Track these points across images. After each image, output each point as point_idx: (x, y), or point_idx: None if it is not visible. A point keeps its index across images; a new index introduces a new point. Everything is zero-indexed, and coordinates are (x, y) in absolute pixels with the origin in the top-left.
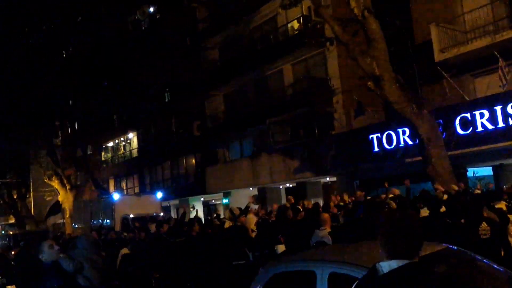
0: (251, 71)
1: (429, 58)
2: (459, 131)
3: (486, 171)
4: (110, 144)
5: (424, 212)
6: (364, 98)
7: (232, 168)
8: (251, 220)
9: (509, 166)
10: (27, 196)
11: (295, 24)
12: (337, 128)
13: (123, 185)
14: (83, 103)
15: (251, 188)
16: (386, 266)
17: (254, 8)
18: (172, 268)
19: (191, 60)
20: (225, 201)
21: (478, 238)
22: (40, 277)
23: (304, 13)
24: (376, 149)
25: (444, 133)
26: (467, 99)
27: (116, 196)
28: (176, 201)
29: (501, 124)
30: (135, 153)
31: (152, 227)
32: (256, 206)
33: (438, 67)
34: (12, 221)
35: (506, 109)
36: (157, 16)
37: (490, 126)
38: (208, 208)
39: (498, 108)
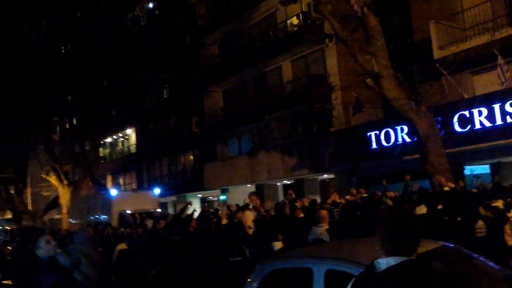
0: (250, 67)
1: (428, 56)
2: (457, 128)
3: (483, 169)
4: (108, 140)
5: (420, 210)
6: (363, 95)
7: (230, 164)
8: (248, 216)
9: (507, 164)
10: (24, 191)
11: (295, 21)
12: (336, 125)
13: (121, 181)
14: (82, 99)
15: (248, 185)
16: (384, 263)
17: (253, 4)
18: (169, 264)
19: (190, 57)
20: (222, 197)
21: (474, 236)
22: (37, 272)
23: (303, 10)
24: (375, 146)
25: (443, 131)
26: (466, 96)
27: (113, 192)
28: (174, 198)
29: (499, 122)
30: (133, 149)
31: (149, 223)
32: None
33: (437, 65)
34: (9, 216)
35: (505, 107)
36: (156, 12)
37: (488, 124)
38: (206, 203)
39: (496, 106)
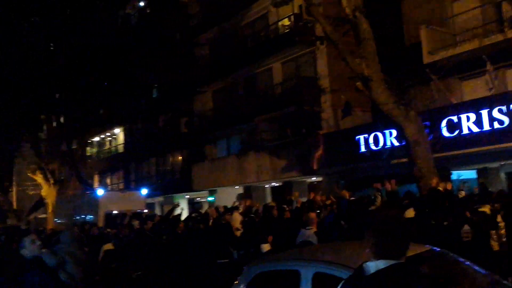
0: (241, 68)
1: (418, 60)
2: (445, 133)
3: (470, 174)
4: (96, 139)
5: (408, 213)
6: (352, 98)
7: (218, 166)
8: (237, 218)
9: (493, 169)
10: (10, 190)
11: (286, 22)
12: (325, 128)
13: (108, 180)
14: (70, 97)
15: (237, 187)
16: (373, 266)
17: (245, 5)
18: (155, 265)
19: (181, 56)
20: (210, 199)
21: (461, 240)
22: (21, 272)
23: (295, 12)
24: (363, 149)
25: (431, 135)
26: (454, 101)
27: (100, 191)
28: (161, 198)
29: (486, 127)
30: (121, 148)
31: (136, 224)
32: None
33: (427, 69)
34: None
35: (492, 113)
36: (148, 11)
37: (475, 129)
38: (194, 206)
39: (484, 112)
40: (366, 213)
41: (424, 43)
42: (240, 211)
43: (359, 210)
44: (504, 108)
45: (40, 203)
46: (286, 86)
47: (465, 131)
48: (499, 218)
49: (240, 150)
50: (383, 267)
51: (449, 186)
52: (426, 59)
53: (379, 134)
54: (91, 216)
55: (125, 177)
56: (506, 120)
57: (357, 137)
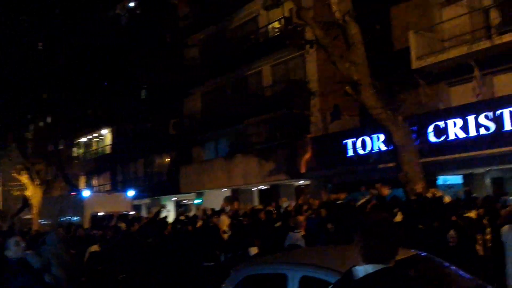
0: (231, 70)
1: (406, 65)
2: (432, 138)
3: (456, 179)
4: (83, 139)
5: (396, 218)
6: (341, 102)
7: (206, 168)
8: (224, 221)
9: (479, 175)
10: None
11: (276, 25)
12: (313, 132)
13: (94, 182)
14: (58, 97)
15: (224, 189)
16: (362, 270)
17: (236, 8)
18: (141, 268)
19: (170, 57)
20: (197, 201)
21: (446, 245)
22: (6, 274)
23: (285, 15)
24: (351, 153)
25: (418, 140)
26: (442, 107)
27: (86, 193)
28: (148, 200)
29: (473, 133)
30: (108, 149)
31: (122, 226)
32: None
33: (415, 75)
34: None
35: (478, 119)
36: (138, 12)
37: (462, 135)
38: (181, 208)
39: (470, 118)
40: (354, 216)
41: (412, 48)
42: (228, 213)
43: (347, 214)
44: (490, 114)
45: (26, 202)
46: (276, 89)
47: (452, 136)
48: (485, 222)
49: (228, 152)
50: (372, 271)
51: (438, 193)
52: (415, 64)
53: (367, 139)
54: (77, 218)
55: (111, 178)
56: (492, 126)
57: (345, 141)
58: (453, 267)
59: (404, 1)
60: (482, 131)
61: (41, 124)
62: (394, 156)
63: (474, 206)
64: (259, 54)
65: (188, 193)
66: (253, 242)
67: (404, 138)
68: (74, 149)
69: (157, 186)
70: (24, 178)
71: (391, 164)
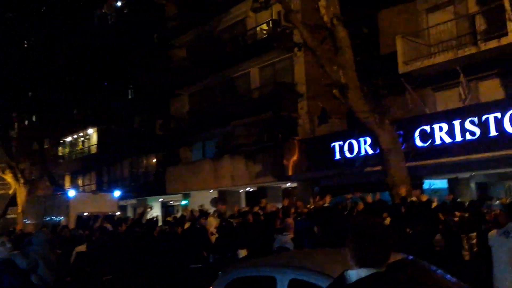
0: (218, 72)
1: (393, 70)
2: (418, 143)
3: (441, 183)
4: (69, 139)
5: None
6: (329, 105)
7: (193, 169)
8: (212, 223)
9: (464, 180)
10: None
11: (264, 28)
12: (301, 134)
13: (80, 182)
14: (43, 95)
15: (211, 191)
16: (355, 274)
17: (224, 9)
18: (128, 269)
19: (157, 58)
20: (184, 202)
21: (432, 249)
22: None
23: (273, 18)
24: (338, 156)
25: (404, 144)
26: (428, 112)
27: (71, 193)
28: (134, 201)
29: (458, 138)
30: (94, 149)
31: (109, 226)
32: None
33: (402, 79)
34: None
35: (464, 124)
36: (125, 11)
37: (448, 140)
38: (167, 209)
39: (456, 123)
40: (343, 220)
41: (399, 53)
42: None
43: (335, 217)
44: (476, 119)
45: (12, 202)
46: (263, 91)
47: (438, 141)
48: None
49: (216, 154)
50: (364, 275)
51: (423, 197)
52: (401, 69)
53: (354, 142)
54: (62, 218)
55: (97, 178)
56: (477, 131)
57: (332, 144)
58: (439, 271)
59: (392, 6)
60: (468, 136)
61: (26, 122)
62: (380, 159)
63: (460, 210)
64: (247, 56)
65: (174, 194)
66: (241, 244)
67: (391, 142)
68: (60, 148)
69: (143, 187)
70: (8, 177)
71: (377, 168)
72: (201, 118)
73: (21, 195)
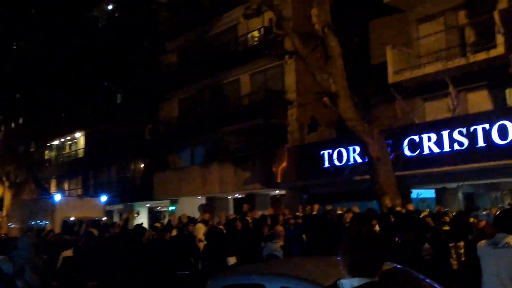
0: (208, 78)
1: (383, 79)
2: (407, 152)
3: (429, 193)
4: (55, 142)
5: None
6: (319, 113)
7: (181, 175)
8: (200, 229)
9: (451, 189)
10: None
11: (255, 35)
12: (290, 142)
13: (66, 186)
14: (30, 98)
15: (199, 197)
16: (348, 284)
17: (215, 15)
18: (114, 275)
19: (147, 62)
20: (171, 208)
21: (421, 259)
22: None
23: (265, 25)
24: (327, 165)
25: (392, 154)
26: (417, 121)
27: (57, 197)
28: (121, 206)
29: (447, 148)
30: (81, 153)
31: (94, 232)
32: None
33: (391, 89)
34: None
35: (453, 134)
36: (116, 15)
37: (436, 150)
38: (154, 214)
39: (445, 133)
40: (332, 228)
41: (389, 63)
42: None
43: (324, 226)
44: (464, 130)
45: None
46: (253, 98)
47: (426, 151)
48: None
49: (204, 160)
50: (357, 285)
51: (410, 207)
52: (391, 78)
53: (343, 150)
54: (47, 222)
55: (84, 183)
56: (465, 142)
57: (322, 152)
58: (428, 280)
59: (383, 16)
60: (456, 146)
61: (12, 125)
62: (369, 168)
63: (448, 220)
64: (237, 62)
65: (162, 199)
66: (231, 252)
67: (380, 151)
68: (46, 152)
69: (130, 192)
70: None
71: (366, 176)
72: (190, 123)
73: (6, 198)
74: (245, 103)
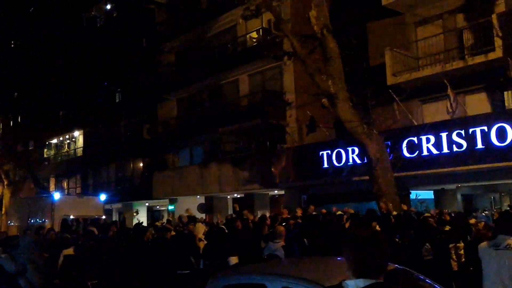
0: (207, 78)
1: (382, 81)
2: (406, 154)
3: (427, 194)
4: (54, 141)
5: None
6: (317, 114)
7: (180, 174)
8: (200, 229)
9: (449, 191)
10: None
11: (254, 35)
12: (289, 142)
13: (65, 184)
14: (29, 97)
15: (198, 196)
16: (353, 285)
17: (214, 16)
18: (114, 275)
19: (146, 62)
20: (170, 207)
21: (421, 259)
22: None
23: (263, 26)
24: (326, 165)
25: (391, 155)
26: (415, 123)
27: (56, 195)
28: (120, 205)
29: (445, 150)
30: (79, 152)
31: (94, 230)
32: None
33: (390, 91)
34: None
35: (451, 136)
36: (114, 15)
37: (435, 151)
38: (153, 214)
39: (443, 135)
40: (332, 229)
41: (388, 65)
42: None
43: (323, 226)
44: (462, 132)
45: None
46: (252, 98)
47: (425, 152)
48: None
49: (203, 160)
50: (362, 286)
51: (404, 207)
52: (390, 80)
53: (342, 151)
54: (46, 220)
55: (82, 181)
56: (464, 144)
57: (321, 153)
58: (428, 281)
59: (381, 19)
60: (455, 148)
61: (11, 123)
62: (368, 169)
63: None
64: (236, 63)
65: (160, 199)
66: (232, 252)
67: (378, 152)
68: (45, 150)
69: (129, 191)
70: None
71: (365, 177)
72: (189, 123)
73: (5, 197)
74: (244, 103)
